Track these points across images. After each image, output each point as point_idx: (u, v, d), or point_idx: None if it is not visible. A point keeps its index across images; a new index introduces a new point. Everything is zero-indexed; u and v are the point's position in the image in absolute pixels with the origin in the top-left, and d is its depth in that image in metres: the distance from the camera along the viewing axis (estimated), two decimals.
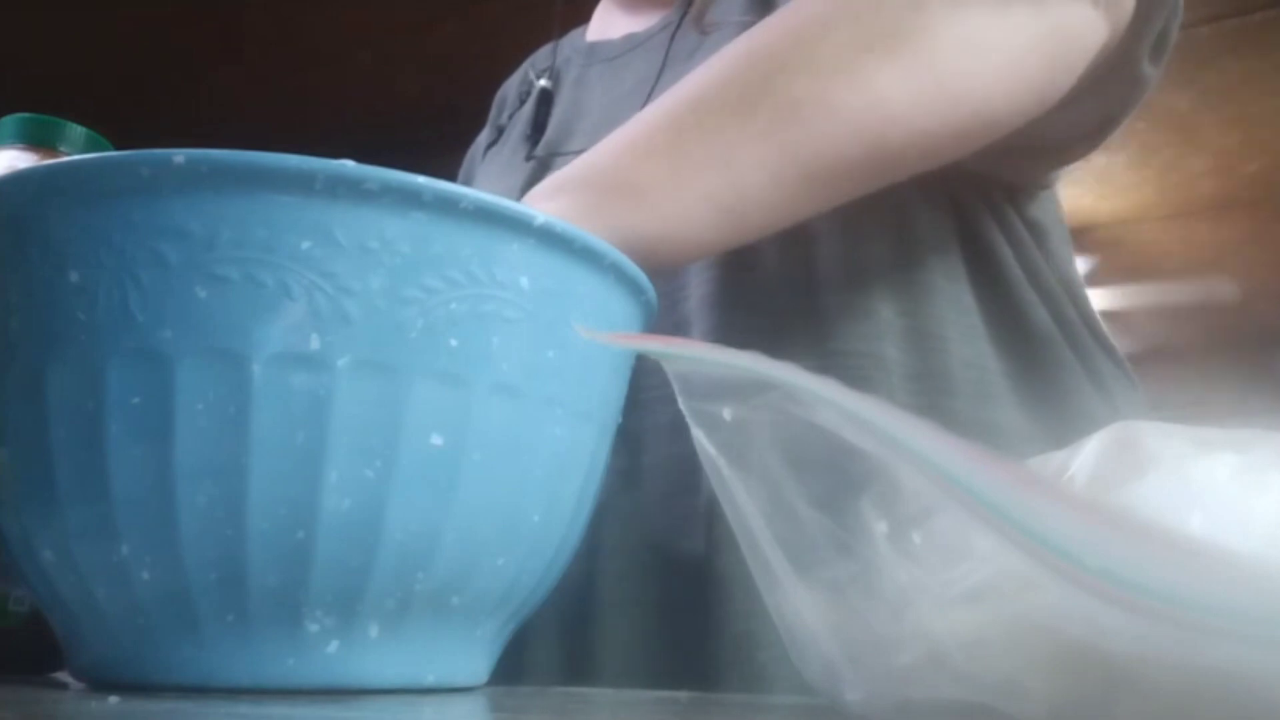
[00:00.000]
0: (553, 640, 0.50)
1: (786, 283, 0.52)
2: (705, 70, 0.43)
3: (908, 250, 0.52)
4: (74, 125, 0.47)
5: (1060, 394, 0.52)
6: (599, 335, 0.32)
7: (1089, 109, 0.50)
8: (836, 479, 0.24)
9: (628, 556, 0.50)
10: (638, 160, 0.41)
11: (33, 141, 0.46)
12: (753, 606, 0.46)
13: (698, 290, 0.52)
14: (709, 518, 0.48)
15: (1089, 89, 0.48)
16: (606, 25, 0.69)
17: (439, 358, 0.28)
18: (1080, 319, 0.56)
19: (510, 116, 0.70)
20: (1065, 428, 0.50)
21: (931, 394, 0.50)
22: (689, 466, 0.49)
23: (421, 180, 0.28)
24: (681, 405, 0.25)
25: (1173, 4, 0.48)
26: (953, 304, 0.52)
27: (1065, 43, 0.45)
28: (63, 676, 0.37)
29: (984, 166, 0.53)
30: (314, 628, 0.28)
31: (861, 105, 0.41)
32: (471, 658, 0.33)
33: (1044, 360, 0.53)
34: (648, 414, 0.49)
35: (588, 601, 0.50)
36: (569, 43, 0.71)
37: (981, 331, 0.52)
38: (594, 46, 0.67)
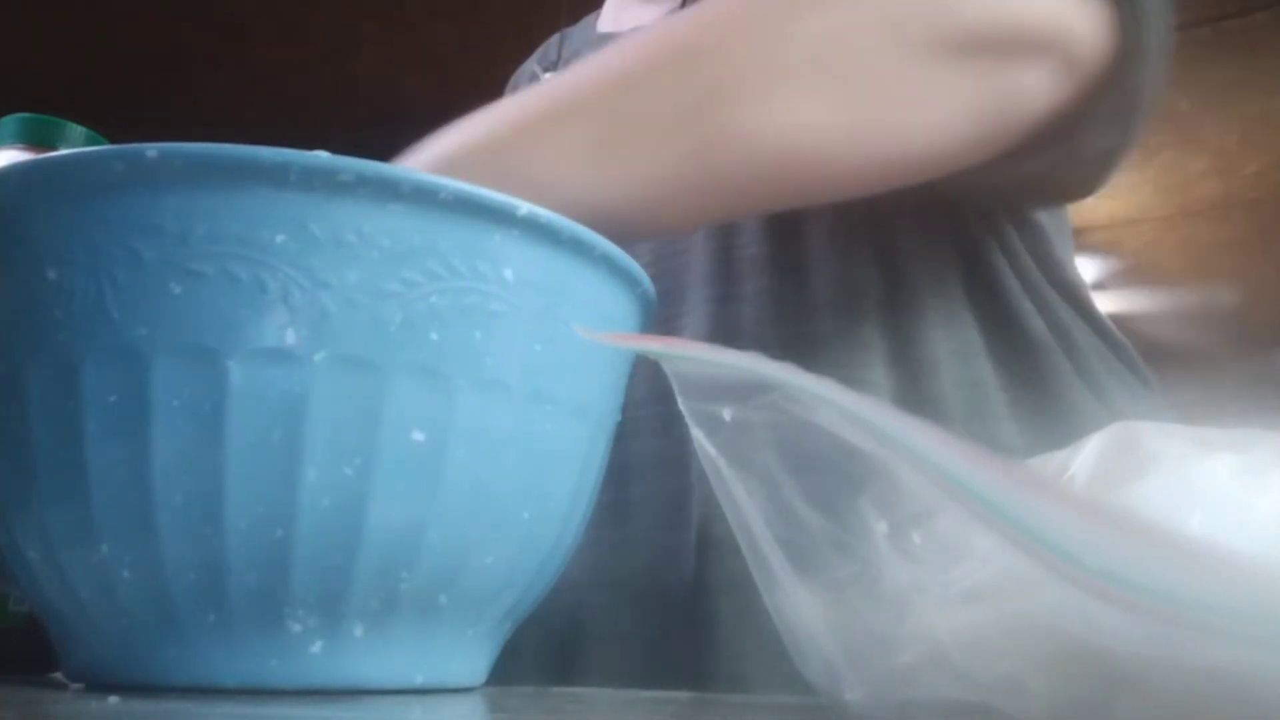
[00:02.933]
0: (536, 671, 0.50)
1: (780, 311, 0.51)
2: (631, 47, 0.40)
3: (900, 271, 0.52)
4: (74, 125, 0.47)
5: (1058, 404, 0.51)
6: (597, 335, 0.32)
7: (1045, 160, 0.47)
8: (836, 479, 0.24)
9: (615, 590, 0.50)
10: (530, 142, 0.38)
11: (32, 141, 0.46)
12: (743, 648, 0.46)
13: (692, 323, 0.52)
14: (698, 553, 0.48)
15: (1042, 142, 0.46)
16: (618, 15, 0.68)
17: (419, 352, 0.28)
18: (1083, 321, 0.55)
19: None
20: (1063, 441, 0.50)
21: (926, 417, 0.49)
22: (678, 500, 0.49)
23: (399, 171, 0.28)
24: (681, 405, 0.25)
25: (1153, 69, 0.45)
26: (947, 322, 0.51)
27: (1014, 106, 0.43)
28: (61, 676, 0.37)
29: (977, 202, 0.53)
30: (296, 628, 0.28)
31: (769, 133, 0.39)
32: (465, 658, 0.33)
33: (1041, 371, 0.52)
34: (635, 444, 0.49)
35: (574, 636, 0.50)
36: (579, 33, 0.70)
37: (979, 347, 0.51)
38: (605, 38, 0.67)
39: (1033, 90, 0.43)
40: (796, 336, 0.51)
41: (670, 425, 0.50)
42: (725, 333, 0.51)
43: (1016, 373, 0.52)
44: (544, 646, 0.49)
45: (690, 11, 0.41)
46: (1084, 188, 0.51)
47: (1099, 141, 0.46)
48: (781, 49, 0.39)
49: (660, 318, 0.52)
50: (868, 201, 0.50)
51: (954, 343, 0.51)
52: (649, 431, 0.50)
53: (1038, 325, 0.53)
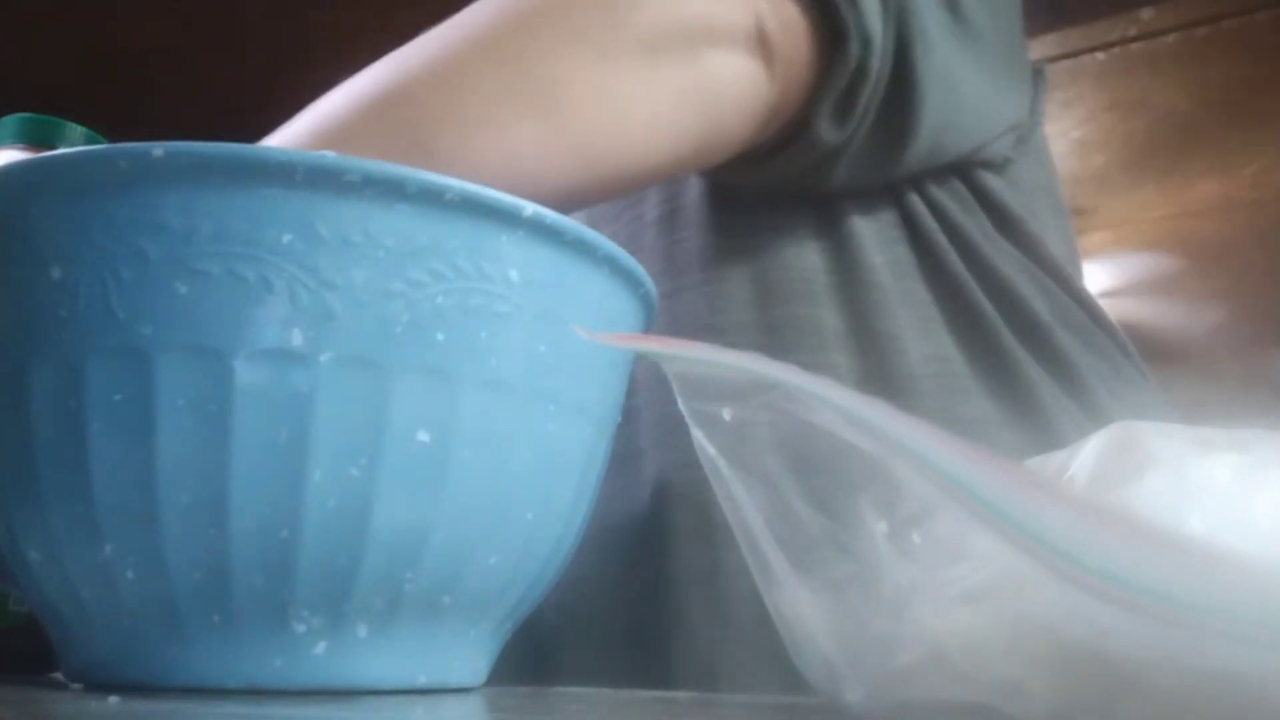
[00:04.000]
0: (514, 650, 0.50)
1: (732, 303, 0.52)
2: (346, 95, 0.41)
3: (852, 254, 0.52)
4: (73, 125, 0.47)
5: (1016, 383, 0.51)
6: (597, 335, 0.32)
7: (782, 165, 0.49)
8: (836, 479, 0.24)
9: (590, 575, 0.50)
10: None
11: (32, 141, 0.46)
12: (714, 635, 0.46)
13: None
14: (652, 507, 0.48)
15: (772, 149, 0.48)
16: None
17: (425, 353, 0.28)
18: (1045, 306, 0.54)
19: None
20: (1031, 419, 0.49)
21: (891, 395, 0.49)
22: (633, 457, 0.50)
23: (405, 171, 0.28)
24: (681, 406, 0.25)
25: (856, 65, 0.46)
26: (905, 299, 0.52)
27: (718, 95, 0.44)
28: (60, 677, 0.37)
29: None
30: (301, 628, 0.28)
31: (499, 161, 0.40)
32: (467, 658, 0.33)
33: (996, 348, 0.52)
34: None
35: (550, 619, 0.50)
36: None
37: (940, 324, 0.52)
38: None
39: (733, 82, 0.44)
40: (750, 323, 0.51)
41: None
42: (680, 325, 0.52)
43: (976, 348, 0.52)
44: (522, 628, 0.50)
45: (401, 55, 0.42)
46: (827, 183, 0.52)
47: (826, 137, 0.48)
48: (473, 83, 0.40)
49: None
50: (807, 185, 0.51)
51: (915, 318, 0.51)
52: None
53: (986, 308, 0.52)
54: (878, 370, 0.50)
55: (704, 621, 0.46)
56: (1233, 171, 2.85)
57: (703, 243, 0.53)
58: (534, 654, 0.50)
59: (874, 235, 0.53)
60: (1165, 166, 2.83)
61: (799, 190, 0.53)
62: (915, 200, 0.54)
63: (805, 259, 0.52)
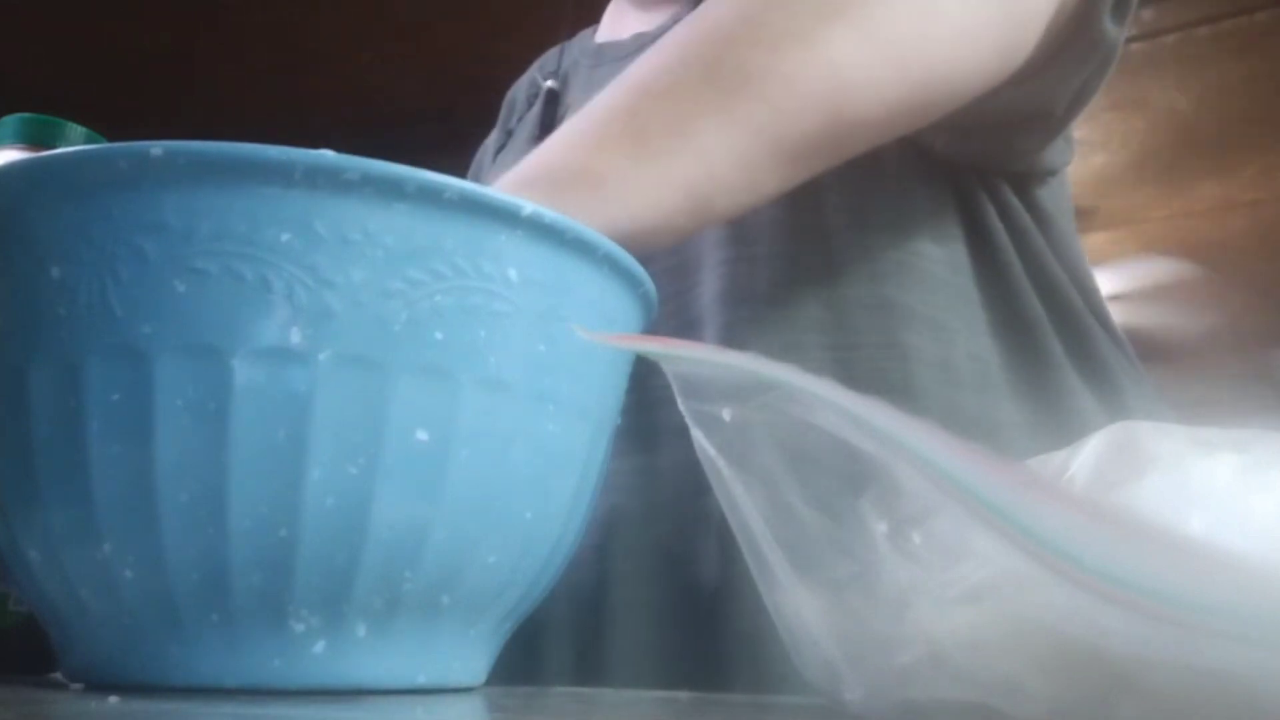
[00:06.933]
0: (565, 642, 0.50)
1: (801, 276, 0.52)
2: (655, 53, 0.41)
3: (915, 243, 0.53)
4: (73, 125, 0.47)
5: (1053, 388, 0.52)
6: (597, 335, 0.32)
7: (1055, 77, 0.49)
8: (836, 479, 0.24)
9: (642, 557, 0.50)
10: (597, 150, 0.39)
11: (32, 141, 0.46)
12: (761, 603, 0.46)
13: (711, 287, 0.52)
14: (723, 517, 0.48)
15: (1052, 55, 0.48)
16: (617, 25, 0.68)
17: (424, 352, 0.28)
18: (1087, 308, 0.56)
19: (519, 119, 0.70)
20: (1058, 422, 0.50)
21: (945, 384, 0.50)
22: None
23: (404, 170, 0.28)
24: (681, 406, 0.25)
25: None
26: (958, 295, 0.52)
27: (1025, 11, 0.45)
28: (60, 677, 0.37)
29: (970, 153, 0.54)
30: (300, 627, 0.28)
31: (817, 75, 0.40)
32: (466, 658, 0.33)
33: (1038, 352, 0.53)
34: (662, 412, 0.49)
35: (601, 603, 0.50)
36: (578, 45, 0.71)
37: (983, 324, 0.52)
38: (603, 48, 0.67)
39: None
40: (821, 301, 0.51)
41: None
42: (740, 294, 0.52)
43: (1016, 352, 0.52)
44: (571, 617, 0.50)
45: (708, 1, 0.42)
46: (1067, 115, 0.53)
47: (1107, 31, 0.49)
48: (795, 2, 0.40)
49: (677, 289, 0.53)
50: (879, 168, 0.51)
51: (964, 315, 0.52)
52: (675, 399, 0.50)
53: (1036, 308, 0.54)
54: (939, 356, 0.50)
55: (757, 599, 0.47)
56: (1233, 172, 2.85)
57: (775, 215, 0.53)
58: (582, 617, 0.50)
59: (938, 230, 0.53)
60: (1165, 166, 2.83)
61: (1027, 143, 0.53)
62: (981, 198, 0.55)
63: (878, 241, 0.52)
